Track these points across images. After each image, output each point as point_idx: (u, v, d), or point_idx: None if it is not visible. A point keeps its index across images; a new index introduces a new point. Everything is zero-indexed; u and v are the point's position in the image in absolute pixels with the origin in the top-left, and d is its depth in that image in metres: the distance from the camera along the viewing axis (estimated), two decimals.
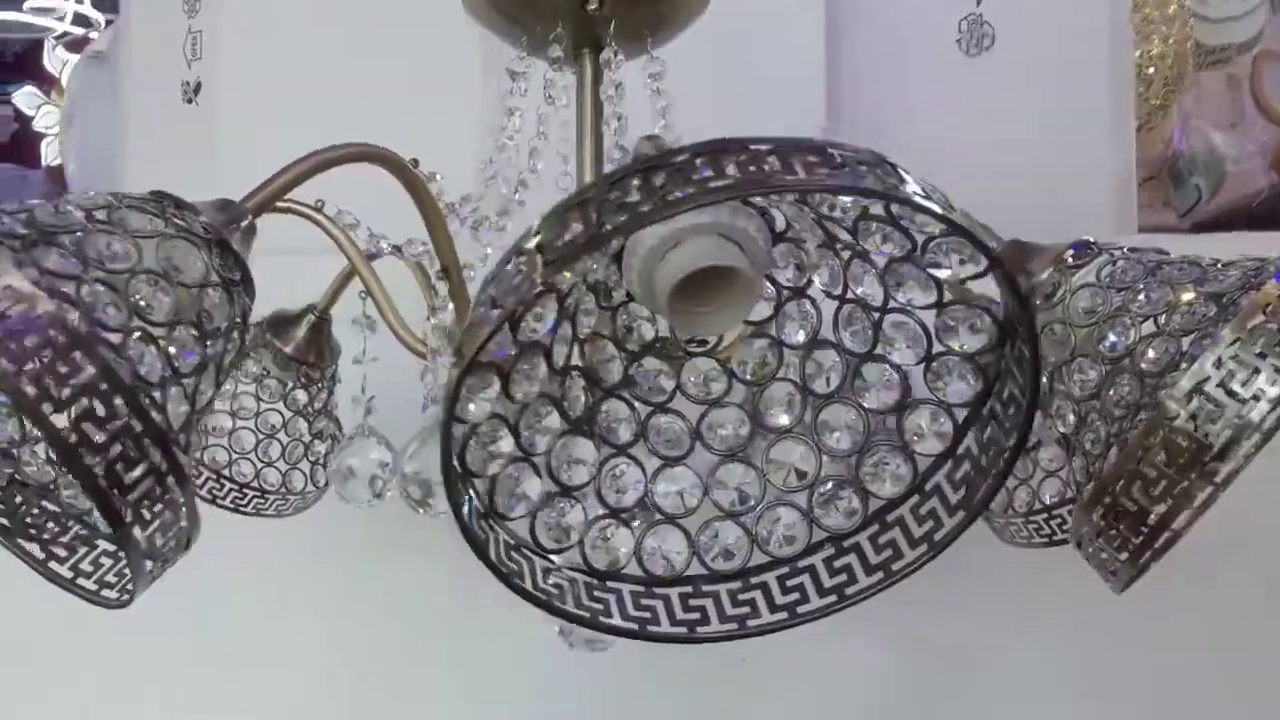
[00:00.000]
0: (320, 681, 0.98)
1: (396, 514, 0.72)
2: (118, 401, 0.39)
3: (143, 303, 0.44)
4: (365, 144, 0.58)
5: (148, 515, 0.41)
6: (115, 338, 0.41)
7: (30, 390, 0.37)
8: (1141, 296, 0.52)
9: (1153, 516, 0.48)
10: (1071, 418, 0.54)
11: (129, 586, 0.45)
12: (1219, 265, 0.53)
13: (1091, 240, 0.57)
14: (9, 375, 0.37)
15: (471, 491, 0.41)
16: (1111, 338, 0.52)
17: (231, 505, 0.87)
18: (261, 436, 0.88)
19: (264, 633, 1.03)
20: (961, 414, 0.45)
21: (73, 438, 0.38)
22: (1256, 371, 0.46)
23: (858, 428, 0.46)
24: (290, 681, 1.02)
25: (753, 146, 0.31)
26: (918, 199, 0.33)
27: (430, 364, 0.71)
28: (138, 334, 0.43)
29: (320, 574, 0.95)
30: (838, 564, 0.44)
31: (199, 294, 0.46)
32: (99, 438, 0.39)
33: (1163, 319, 0.50)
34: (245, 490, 0.87)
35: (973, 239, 0.35)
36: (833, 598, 0.43)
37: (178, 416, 0.44)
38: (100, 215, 0.45)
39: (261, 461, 0.88)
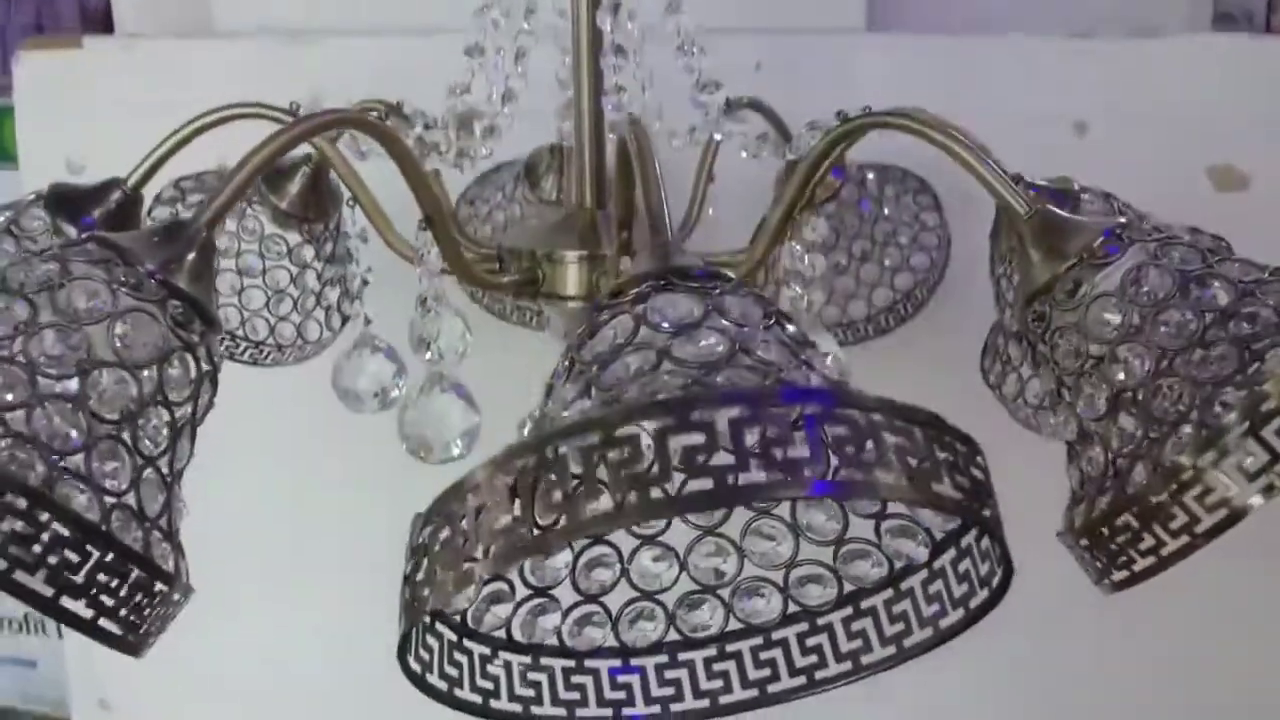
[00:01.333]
0: (360, 520, 1.03)
1: None
2: (90, 547, 0.39)
3: (102, 403, 0.42)
4: (330, 111, 0.52)
5: (138, 620, 0.42)
6: (78, 460, 0.41)
7: None
8: (1164, 327, 0.48)
9: (1137, 565, 0.47)
10: (1074, 429, 0.52)
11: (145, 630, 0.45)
12: (1264, 281, 0.48)
13: (1123, 225, 0.52)
14: None
15: (441, 629, 0.42)
16: (1125, 367, 0.49)
17: (249, 360, 0.88)
18: (271, 294, 0.87)
19: (293, 478, 1.08)
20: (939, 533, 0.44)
21: (50, 591, 0.39)
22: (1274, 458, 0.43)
23: (836, 520, 0.45)
24: (332, 523, 1.08)
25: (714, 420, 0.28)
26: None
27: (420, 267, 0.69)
28: (102, 441, 0.42)
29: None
30: (809, 643, 0.45)
31: (160, 368, 0.44)
32: (77, 581, 0.39)
33: (1181, 359, 0.47)
34: (261, 346, 0.88)
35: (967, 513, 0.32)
36: (802, 679, 0.45)
37: (154, 504, 0.44)
38: (43, 299, 0.43)
39: (275, 317, 0.87)
